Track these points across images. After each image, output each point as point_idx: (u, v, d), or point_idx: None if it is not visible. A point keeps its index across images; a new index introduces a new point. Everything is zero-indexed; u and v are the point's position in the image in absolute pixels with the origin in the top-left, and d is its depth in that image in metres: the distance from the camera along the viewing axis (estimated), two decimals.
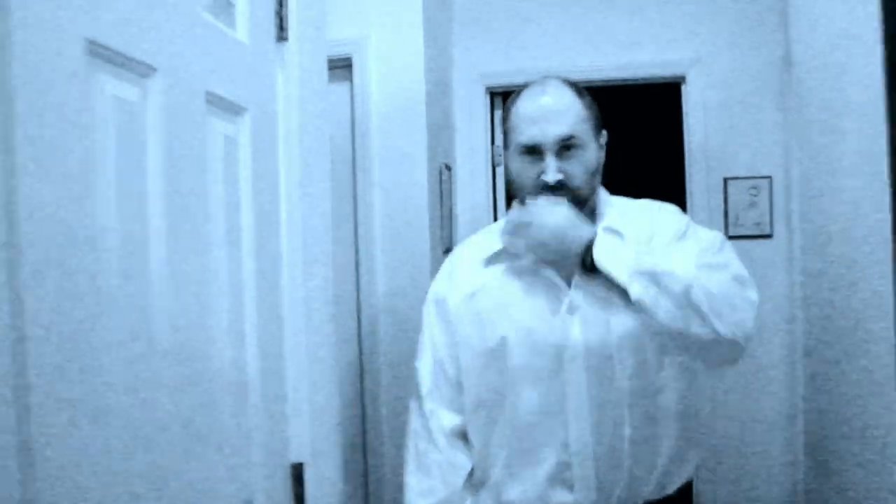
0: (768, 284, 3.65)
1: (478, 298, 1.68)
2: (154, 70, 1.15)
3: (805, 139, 2.10)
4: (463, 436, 1.73)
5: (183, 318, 1.20)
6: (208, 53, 1.32)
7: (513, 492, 1.66)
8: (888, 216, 1.51)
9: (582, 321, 1.58)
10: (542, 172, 1.56)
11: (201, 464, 1.25)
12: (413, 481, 1.74)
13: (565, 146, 1.55)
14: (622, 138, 5.33)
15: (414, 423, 1.76)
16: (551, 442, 1.60)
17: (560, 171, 1.55)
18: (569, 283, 1.60)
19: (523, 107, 1.61)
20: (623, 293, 1.44)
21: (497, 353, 1.63)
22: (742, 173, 3.82)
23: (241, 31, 1.46)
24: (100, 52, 1.02)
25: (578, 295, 1.58)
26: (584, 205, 1.60)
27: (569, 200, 1.54)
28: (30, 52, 0.88)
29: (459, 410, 1.72)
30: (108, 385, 1.02)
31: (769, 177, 3.77)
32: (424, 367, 1.74)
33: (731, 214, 3.81)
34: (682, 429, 1.67)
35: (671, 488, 1.67)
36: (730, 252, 1.58)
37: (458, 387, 1.71)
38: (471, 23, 3.93)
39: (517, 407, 1.62)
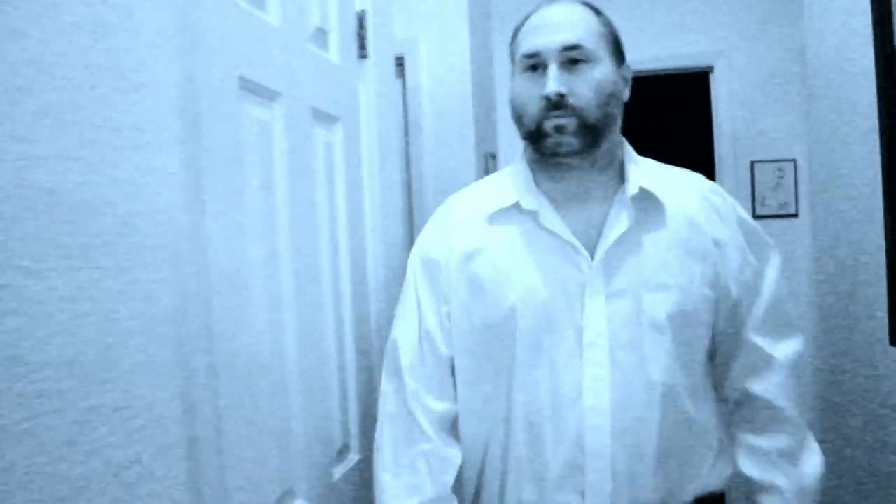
0: (794, 260, 3.90)
1: (477, 261, 1.39)
2: (279, 94, 1.44)
3: (819, 125, 2.35)
4: (453, 425, 1.42)
5: (302, 303, 1.50)
6: (312, 76, 1.61)
7: (516, 495, 1.38)
8: (880, 200, 1.78)
9: (607, 298, 1.33)
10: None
11: (315, 415, 1.55)
12: (389, 478, 1.41)
13: (572, 59, 1.32)
14: (654, 125, 5.60)
15: (391, 407, 1.43)
16: (563, 439, 1.33)
17: (564, 83, 1.30)
18: (591, 251, 1.35)
19: (528, 22, 1.41)
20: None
21: (503, 328, 1.35)
22: (768, 156, 4.07)
23: (333, 54, 1.75)
24: (247, 85, 1.32)
25: (602, 265, 1.34)
26: (597, 138, 1.34)
27: (576, 126, 1.31)
28: (208, 88, 1.18)
29: (450, 395, 1.42)
30: (257, 354, 1.32)
31: (794, 159, 4.02)
32: (406, 340, 1.44)
33: (757, 195, 4.06)
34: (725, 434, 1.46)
35: (694, 496, 1.42)
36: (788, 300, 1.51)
37: (450, 366, 1.42)
38: (509, 23, 4.19)
39: (524, 394, 1.35)
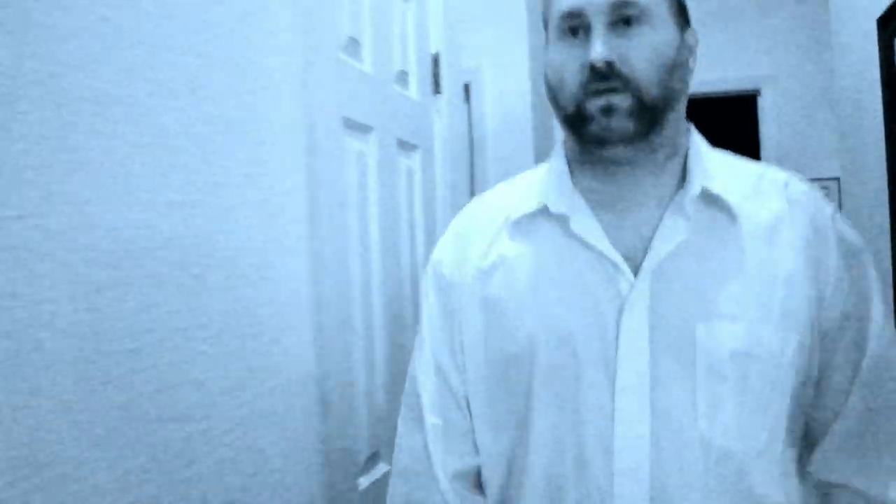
0: None
1: (495, 279, 1.10)
2: (371, 129, 1.75)
3: (848, 147, 2.61)
4: (478, 481, 1.15)
5: (391, 312, 1.81)
6: (397, 112, 1.92)
7: None
8: (886, 215, 2.03)
9: (651, 329, 1.01)
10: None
11: (397, 391, 1.85)
12: None
13: (624, 19, 0.99)
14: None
15: (405, 461, 1.17)
16: None
17: (613, 49, 0.98)
18: (635, 269, 1.02)
19: None
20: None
21: (518, 366, 1.06)
22: (813, 175, 4.28)
23: (413, 91, 2.06)
24: (348, 123, 1.63)
25: (647, 286, 1.01)
26: (656, 122, 1.01)
27: (630, 105, 0.98)
28: (321, 128, 1.49)
29: (470, 446, 1.14)
30: (355, 341, 1.63)
31: (837, 178, 4.23)
32: (426, 380, 1.16)
33: None
34: None
35: None
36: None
37: (467, 409, 1.14)
38: None
39: (542, 452, 1.05)
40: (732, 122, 5.72)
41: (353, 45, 1.69)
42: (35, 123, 0.85)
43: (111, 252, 0.95)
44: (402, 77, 1.99)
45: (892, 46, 1.98)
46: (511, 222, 1.11)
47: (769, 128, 4.35)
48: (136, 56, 1.01)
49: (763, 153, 4.40)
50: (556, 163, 1.12)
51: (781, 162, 4.31)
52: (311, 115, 1.46)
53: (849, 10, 2.50)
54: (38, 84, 0.86)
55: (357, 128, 1.69)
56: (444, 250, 1.18)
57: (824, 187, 4.23)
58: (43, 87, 0.86)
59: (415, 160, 2.04)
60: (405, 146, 1.97)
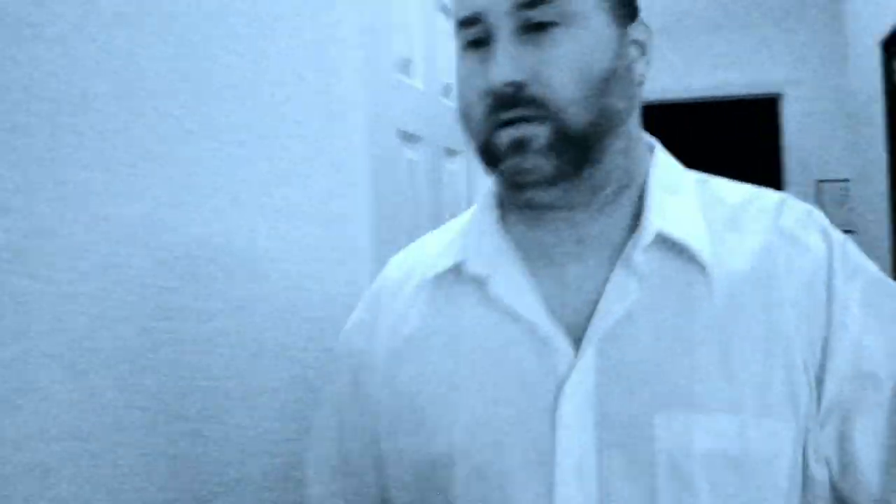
0: None
1: (406, 362, 0.87)
2: (421, 139, 1.96)
3: (860, 150, 2.81)
4: None
5: None
6: (443, 121, 2.12)
7: None
8: (886, 214, 2.23)
9: (597, 422, 0.76)
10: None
11: None
12: None
13: (534, 24, 0.75)
14: (723, 148, 6.02)
15: None
16: None
17: (520, 65, 0.74)
18: (576, 342, 0.77)
19: None
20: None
21: (435, 479, 0.82)
22: (828, 176, 4.47)
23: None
24: (402, 134, 1.84)
25: (590, 364, 0.77)
26: (585, 155, 0.77)
27: (548, 137, 0.75)
28: (381, 141, 1.70)
29: None
30: None
31: (848, 179, 4.42)
32: (320, 471, 0.96)
33: (826, 212, 4.47)
34: None
35: None
36: None
37: None
38: None
39: None
40: (755, 125, 5.90)
41: (406, 64, 1.90)
42: (149, 139, 1.07)
43: (212, 249, 1.17)
44: (447, 89, 2.19)
45: (893, 66, 2.17)
46: (424, 286, 0.88)
47: (790, 130, 4.52)
48: (239, 89, 1.23)
49: (784, 155, 4.58)
50: (482, 205, 0.90)
51: (801, 163, 4.49)
52: (373, 132, 1.67)
53: (859, 27, 2.70)
54: (137, 115, 1.08)
55: (409, 139, 1.90)
56: (357, 320, 0.96)
57: (843, 188, 4.40)
58: (146, 118, 1.09)
59: (458, 164, 2.25)
60: (449, 152, 2.17)
